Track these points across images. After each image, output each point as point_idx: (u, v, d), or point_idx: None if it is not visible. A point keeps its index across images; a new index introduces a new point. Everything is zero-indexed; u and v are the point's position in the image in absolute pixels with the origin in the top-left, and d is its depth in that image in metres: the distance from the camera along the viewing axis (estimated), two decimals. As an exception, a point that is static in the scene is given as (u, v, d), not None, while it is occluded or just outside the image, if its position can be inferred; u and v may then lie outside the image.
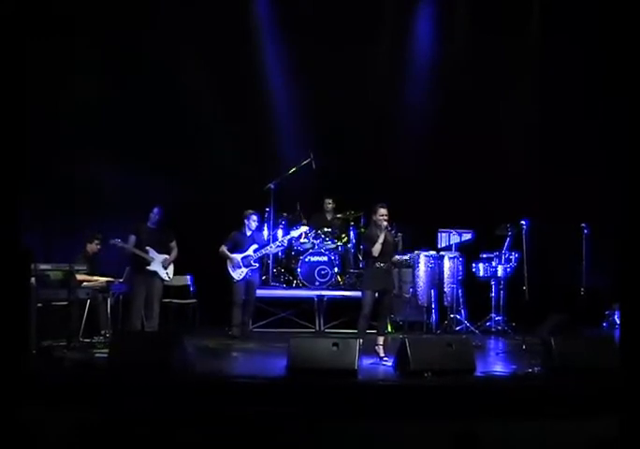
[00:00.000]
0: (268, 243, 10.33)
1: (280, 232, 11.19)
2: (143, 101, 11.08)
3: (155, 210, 9.63)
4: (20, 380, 5.93)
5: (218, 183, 11.19)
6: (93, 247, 9.76)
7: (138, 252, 9.47)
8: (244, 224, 10.07)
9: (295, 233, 10.61)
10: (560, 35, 11.21)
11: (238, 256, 9.92)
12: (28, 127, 8.52)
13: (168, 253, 9.70)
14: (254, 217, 10.06)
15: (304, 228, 10.81)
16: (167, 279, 9.70)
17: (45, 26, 10.12)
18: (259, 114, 11.75)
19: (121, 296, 9.74)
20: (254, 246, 10.01)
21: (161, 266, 9.58)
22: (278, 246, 10.43)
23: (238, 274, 9.92)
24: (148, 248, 9.51)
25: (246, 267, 9.92)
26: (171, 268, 9.75)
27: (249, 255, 9.96)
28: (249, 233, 10.08)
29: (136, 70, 11.24)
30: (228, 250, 9.96)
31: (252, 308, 10.10)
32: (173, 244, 9.80)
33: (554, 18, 11.39)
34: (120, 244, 9.47)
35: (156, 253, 9.58)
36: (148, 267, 9.49)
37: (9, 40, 6.44)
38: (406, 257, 8.78)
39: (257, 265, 10.02)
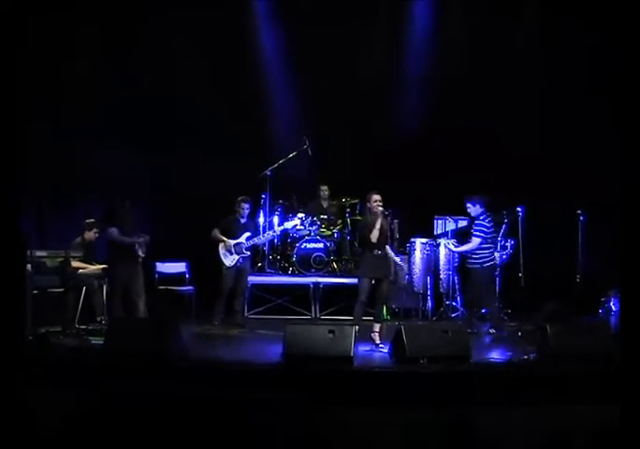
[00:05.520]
0: (259, 232, 10.27)
1: (276, 219, 11.19)
2: (142, 89, 11.12)
3: (127, 203, 9.32)
4: (19, 366, 5.94)
5: (214, 170, 11.15)
6: (90, 235, 9.68)
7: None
8: (237, 211, 10.02)
9: (289, 224, 10.56)
10: (559, 17, 11.17)
11: (231, 242, 9.88)
12: (28, 112, 8.50)
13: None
14: (242, 204, 9.95)
15: (297, 221, 10.74)
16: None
17: (44, 9, 10.07)
18: (255, 101, 11.73)
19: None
20: (247, 234, 9.95)
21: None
22: (269, 236, 10.36)
23: (230, 261, 9.88)
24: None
25: (238, 254, 9.89)
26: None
27: (241, 243, 9.90)
28: (243, 220, 10.02)
29: (135, 56, 11.28)
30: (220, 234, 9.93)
31: (243, 296, 10.07)
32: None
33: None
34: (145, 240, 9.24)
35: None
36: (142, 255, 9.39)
37: (8, 25, 6.41)
38: (399, 261, 8.88)
39: (249, 253, 9.98)
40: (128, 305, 9.23)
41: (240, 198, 10.00)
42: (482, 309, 9.75)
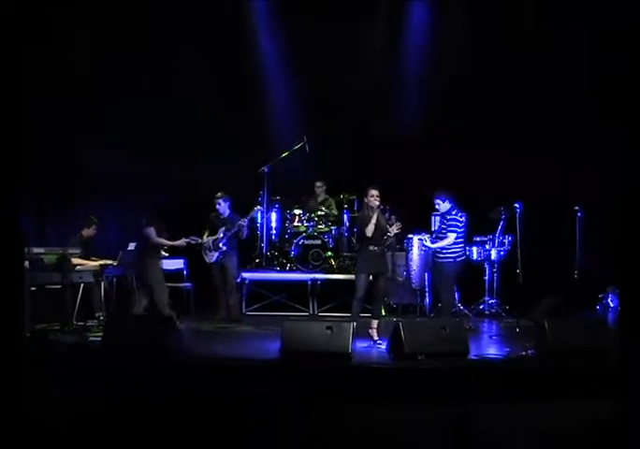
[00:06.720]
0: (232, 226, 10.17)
1: (273, 215, 11.19)
2: (142, 89, 11.16)
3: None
4: (18, 363, 5.94)
5: (214, 168, 11.16)
6: (89, 231, 9.74)
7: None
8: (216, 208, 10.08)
9: (250, 214, 10.49)
10: (558, 20, 11.18)
11: (209, 239, 9.99)
12: (28, 110, 8.48)
13: None
14: (216, 201, 9.98)
15: (258, 208, 10.57)
16: None
17: (44, 9, 10.09)
18: (253, 98, 11.75)
19: (114, 280, 9.71)
20: (223, 229, 9.99)
21: None
22: (236, 226, 10.01)
23: (208, 257, 10.01)
24: None
25: (215, 250, 9.95)
26: None
27: (216, 238, 9.96)
28: (222, 216, 10.06)
29: (136, 56, 11.31)
30: (208, 232, 10.06)
31: (233, 291, 10.04)
32: None
33: (550, 3, 11.37)
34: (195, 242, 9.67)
35: None
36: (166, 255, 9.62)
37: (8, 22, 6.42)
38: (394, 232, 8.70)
39: (225, 248, 9.93)
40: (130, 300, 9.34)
41: (216, 195, 10.04)
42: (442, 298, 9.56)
